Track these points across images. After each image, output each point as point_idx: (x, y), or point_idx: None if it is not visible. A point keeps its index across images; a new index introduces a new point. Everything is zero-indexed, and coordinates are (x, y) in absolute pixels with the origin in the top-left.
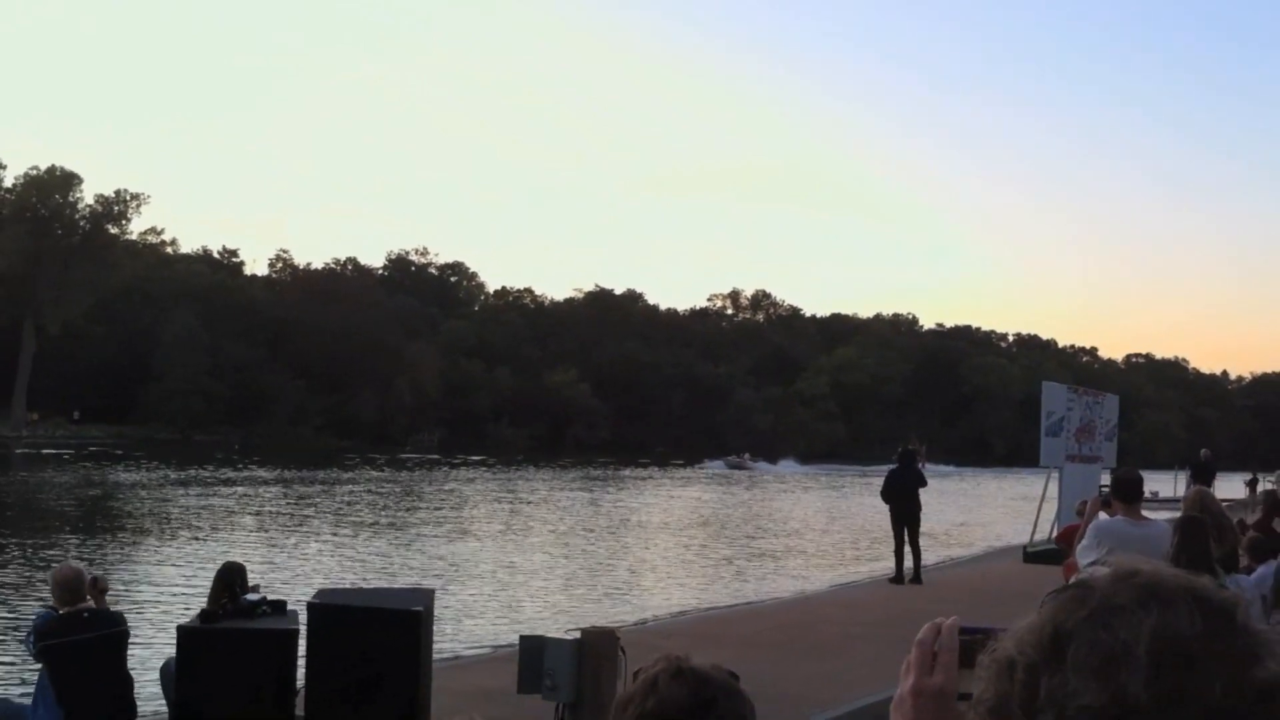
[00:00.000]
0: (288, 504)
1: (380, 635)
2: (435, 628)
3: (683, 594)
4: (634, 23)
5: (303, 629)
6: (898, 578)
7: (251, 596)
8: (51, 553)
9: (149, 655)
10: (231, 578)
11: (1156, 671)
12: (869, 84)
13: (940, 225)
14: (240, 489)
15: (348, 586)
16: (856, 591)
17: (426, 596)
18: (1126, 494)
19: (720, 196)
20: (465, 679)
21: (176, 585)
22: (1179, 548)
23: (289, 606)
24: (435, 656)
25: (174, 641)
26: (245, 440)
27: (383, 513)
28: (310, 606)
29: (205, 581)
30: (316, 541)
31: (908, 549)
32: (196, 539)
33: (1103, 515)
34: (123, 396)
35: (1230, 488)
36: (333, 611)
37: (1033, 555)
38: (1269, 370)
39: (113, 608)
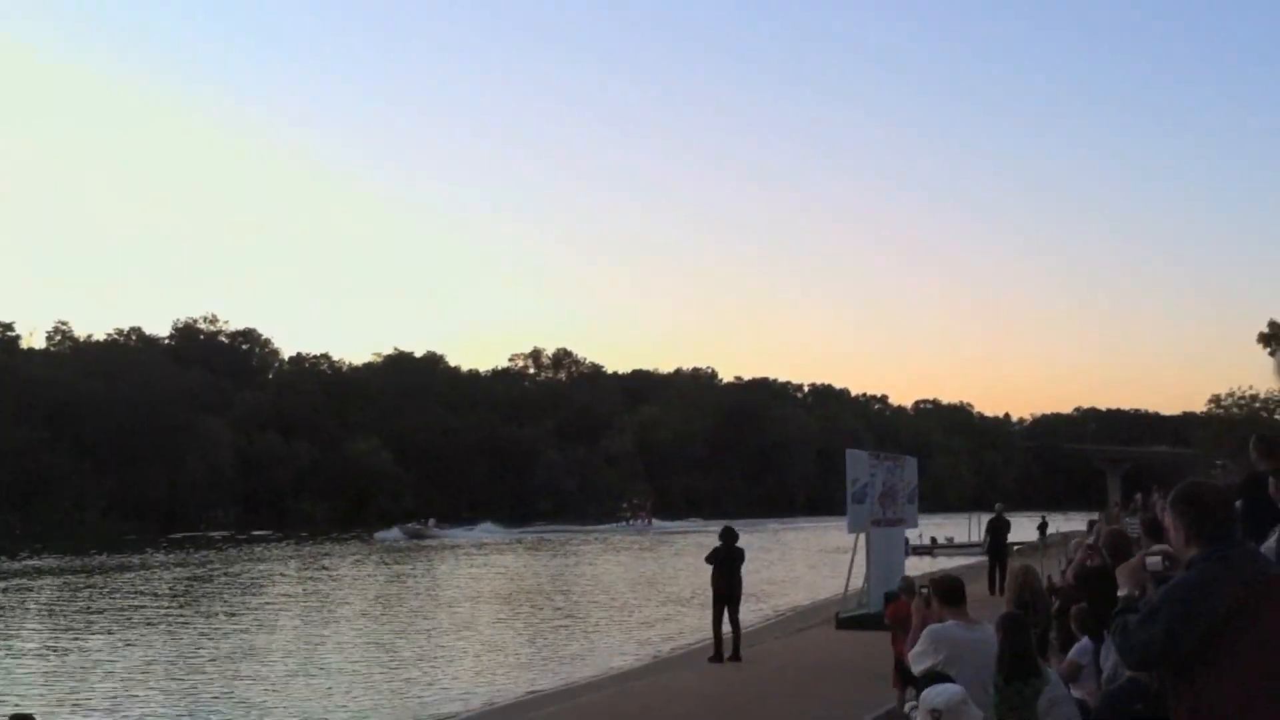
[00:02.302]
0: (68, 600)
1: None
2: None
3: (488, 683)
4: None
5: None
6: (716, 656)
7: None
8: None
9: None
10: None
11: None
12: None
13: (732, 279)
14: (19, 582)
15: None
16: (678, 674)
17: None
18: (951, 597)
19: (518, 254)
20: None
21: None
22: (1004, 645)
23: None
24: None
25: None
26: (25, 526)
27: (166, 605)
28: None
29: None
30: (101, 642)
31: (727, 625)
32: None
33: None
34: None
35: (1021, 529)
36: None
37: (845, 621)
38: (1047, 411)
39: None
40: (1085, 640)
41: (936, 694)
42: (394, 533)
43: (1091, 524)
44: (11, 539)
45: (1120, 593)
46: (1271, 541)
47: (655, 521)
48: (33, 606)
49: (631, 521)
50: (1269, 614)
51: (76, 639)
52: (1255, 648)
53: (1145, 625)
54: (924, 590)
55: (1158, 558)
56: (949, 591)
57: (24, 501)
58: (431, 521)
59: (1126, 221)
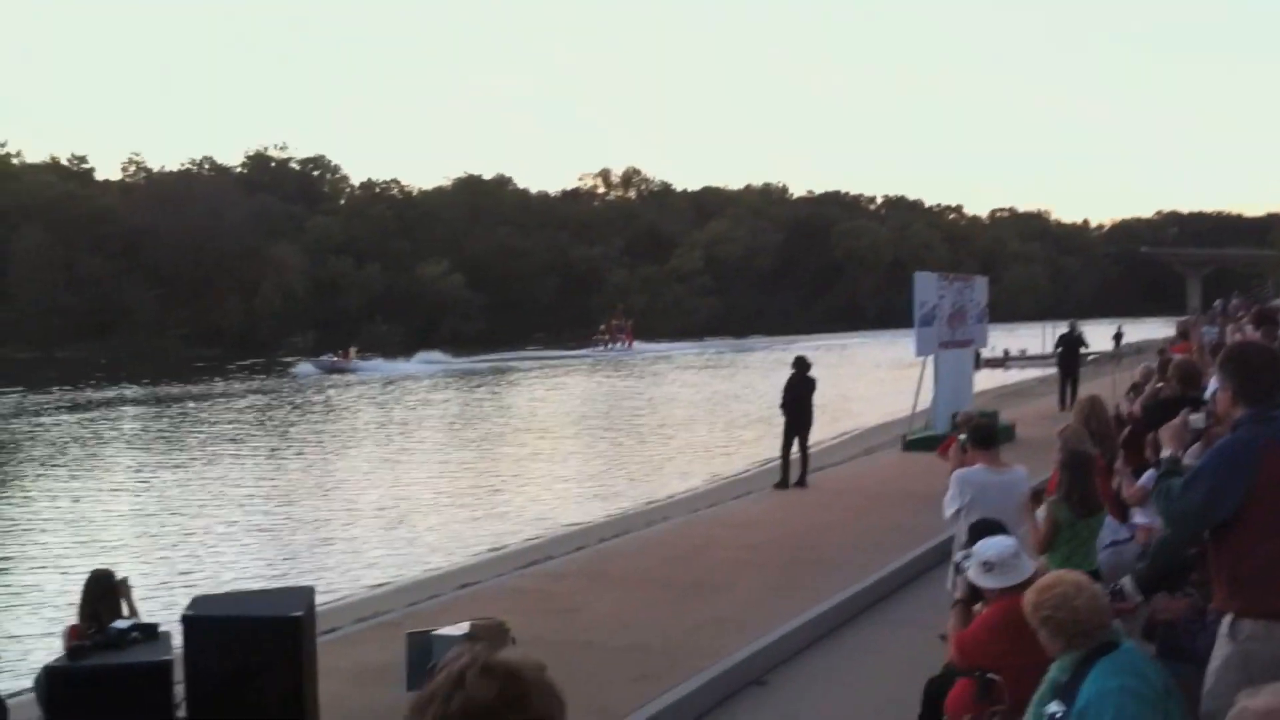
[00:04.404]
0: (161, 433)
1: (260, 644)
2: (318, 591)
3: (563, 509)
4: None
5: (178, 643)
6: (783, 482)
7: (120, 623)
8: None
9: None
10: (98, 597)
11: None
12: None
13: (806, 89)
14: (113, 416)
15: (224, 590)
16: (744, 504)
17: (305, 596)
18: (983, 440)
19: (585, 72)
20: (352, 655)
21: (35, 575)
22: (1071, 482)
23: (161, 628)
24: (318, 633)
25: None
26: (110, 355)
27: (260, 436)
28: (185, 620)
29: (66, 565)
30: (193, 475)
31: (796, 452)
32: (59, 496)
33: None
34: None
35: (1097, 338)
36: (208, 624)
37: (912, 443)
38: (1129, 216)
39: None
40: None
41: (989, 546)
42: (306, 367)
43: (1182, 332)
44: (94, 368)
45: (1164, 453)
46: None
47: (637, 344)
48: (116, 439)
49: (610, 345)
50: None
51: (155, 472)
52: None
53: (1187, 491)
54: (962, 438)
55: (1200, 414)
56: (980, 435)
57: (102, 331)
58: (353, 351)
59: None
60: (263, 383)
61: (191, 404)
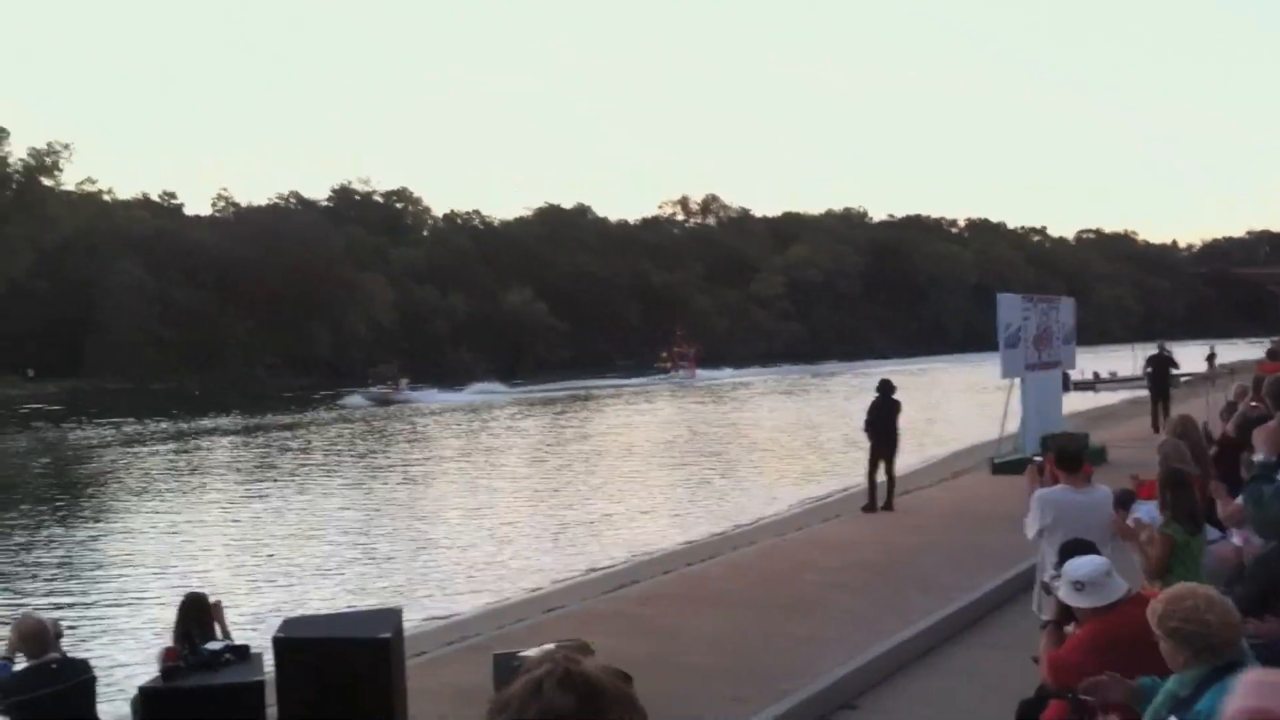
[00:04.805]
0: (251, 461)
1: (350, 665)
2: (406, 614)
3: (649, 534)
4: None
5: (269, 663)
6: (870, 505)
7: (214, 645)
8: None
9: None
10: (192, 619)
11: None
12: None
13: (884, 114)
14: (205, 445)
15: (314, 613)
16: (832, 527)
17: (394, 618)
18: (1065, 461)
19: (663, 103)
20: (441, 677)
21: (138, 598)
22: (1176, 502)
23: (252, 649)
24: (407, 655)
25: (132, 670)
26: (202, 387)
27: (345, 465)
28: (276, 641)
29: (160, 589)
30: (282, 503)
31: (882, 475)
32: (153, 528)
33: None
34: (74, 350)
35: (1190, 359)
36: (299, 646)
37: (1000, 466)
38: (1218, 236)
39: (71, 650)
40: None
41: (1079, 565)
42: (356, 399)
43: (1272, 352)
44: (188, 399)
45: (1256, 457)
46: None
47: (700, 372)
48: (209, 468)
49: (673, 372)
50: None
51: (246, 499)
52: None
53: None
54: (1037, 459)
55: None
56: (1062, 455)
57: (197, 363)
58: (404, 382)
59: None
60: (314, 415)
61: (277, 432)
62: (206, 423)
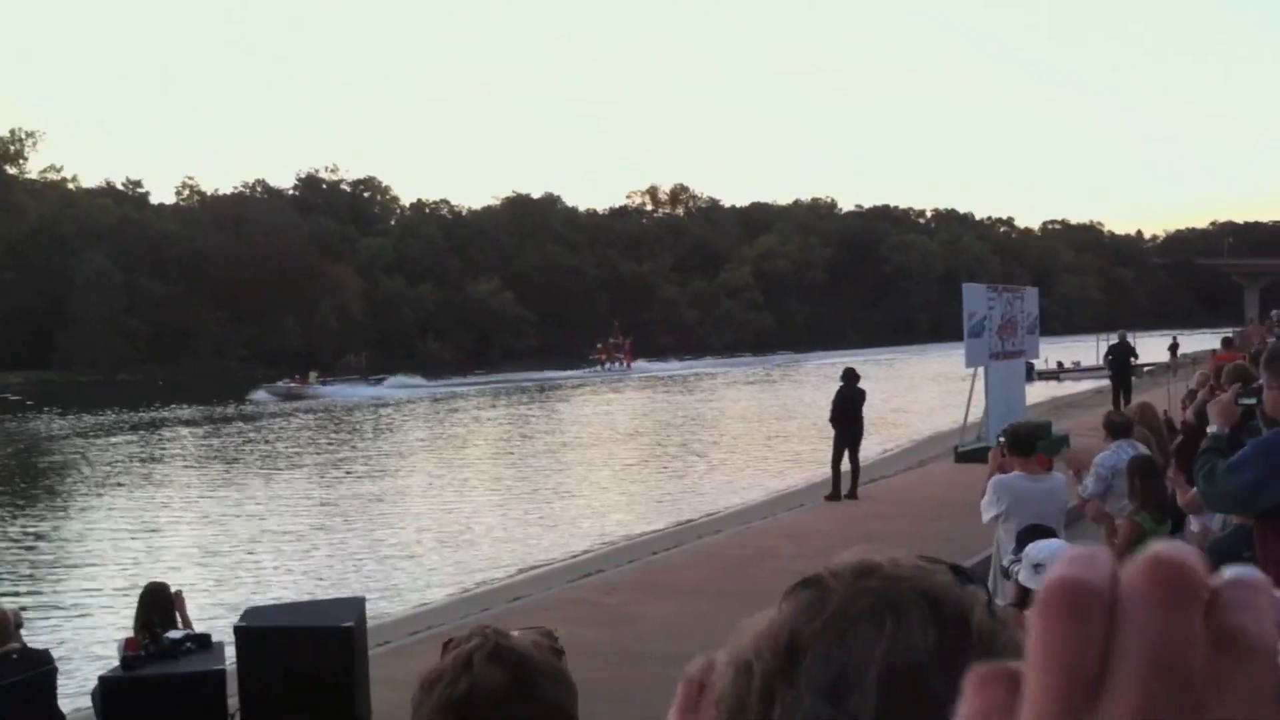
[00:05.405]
0: (215, 450)
1: (311, 654)
2: (370, 605)
3: (614, 523)
4: None
5: (230, 653)
6: (834, 494)
7: (174, 634)
8: None
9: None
10: (153, 607)
11: (888, 697)
12: None
13: (854, 104)
14: (169, 436)
15: (275, 602)
16: (796, 516)
17: (357, 607)
18: (1021, 447)
19: (631, 89)
20: (405, 666)
21: (96, 589)
22: (1144, 488)
23: (214, 638)
24: (371, 645)
25: (93, 660)
26: (169, 377)
27: (318, 451)
28: (238, 630)
29: (121, 579)
30: (243, 494)
31: (846, 464)
32: (114, 510)
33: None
34: (41, 342)
35: (1152, 349)
36: (260, 635)
37: (964, 455)
38: (1183, 227)
39: (29, 638)
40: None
41: (1041, 549)
42: (262, 394)
43: (1226, 340)
44: (154, 391)
45: (1210, 428)
46: None
47: (638, 363)
48: (172, 458)
49: (608, 365)
50: None
51: (209, 489)
52: None
53: (1233, 473)
54: (1000, 440)
55: (1253, 399)
56: (1017, 441)
57: (166, 354)
58: (313, 376)
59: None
60: (223, 410)
61: (240, 423)
62: (169, 413)
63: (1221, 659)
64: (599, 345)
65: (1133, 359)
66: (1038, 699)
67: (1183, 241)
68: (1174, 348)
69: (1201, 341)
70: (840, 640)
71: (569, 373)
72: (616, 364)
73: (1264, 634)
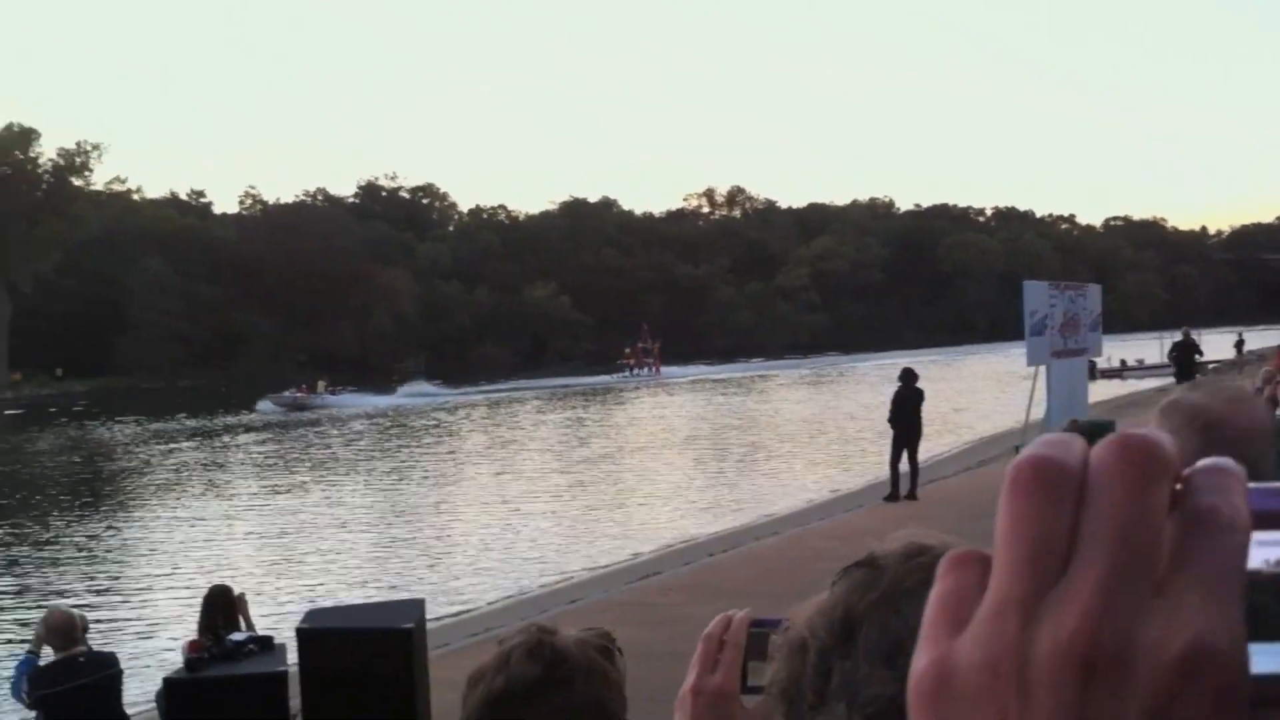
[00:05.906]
0: (275, 455)
1: (372, 655)
2: (429, 608)
3: (675, 526)
4: None
5: (292, 654)
6: (893, 495)
7: (237, 636)
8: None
9: (139, 682)
10: (216, 610)
11: None
12: None
13: (912, 103)
14: (231, 441)
15: (336, 604)
16: (853, 517)
17: (417, 609)
18: None
19: (688, 95)
20: (464, 668)
21: (162, 592)
22: None
23: (276, 640)
24: (430, 647)
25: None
26: (229, 383)
27: (370, 457)
28: (299, 632)
29: (185, 582)
30: (305, 499)
31: (905, 464)
32: (177, 522)
33: None
34: (102, 348)
35: (1216, 346)
36: (321, 637)
37: None
38: (1247, 222)
39: (98, 644)
40: None
41: None
42: (266, 404)
43: None
44: (216, 396)
45: None
46: None
47: (665, 369)
48: (235, 463)
49: (636, 370)
50: None
51: (271, 494)
52: None
53: None
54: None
55: None
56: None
57: (224, 360)
58: (321, 385)
59: None
60: (226, 421)
61: (303, 430)
62: (232, 419)
63: (1191, 537)
64: (627, 350)
65: (1197, 356)
66: (1006, 572)
67: (1248, 237)
68: (1239, 344)
69: (1267, 338)
70: (896, 611)
71: (595, 379)
72: (645, 369)
73: (1236, 514)
